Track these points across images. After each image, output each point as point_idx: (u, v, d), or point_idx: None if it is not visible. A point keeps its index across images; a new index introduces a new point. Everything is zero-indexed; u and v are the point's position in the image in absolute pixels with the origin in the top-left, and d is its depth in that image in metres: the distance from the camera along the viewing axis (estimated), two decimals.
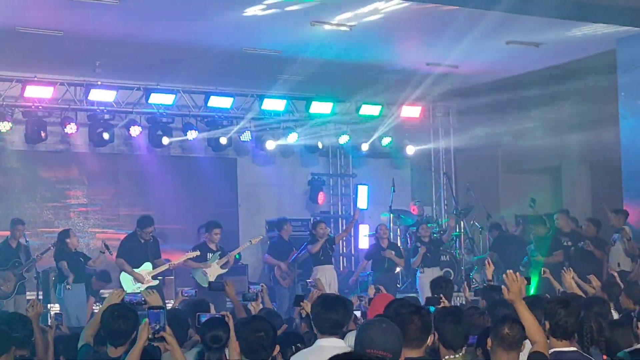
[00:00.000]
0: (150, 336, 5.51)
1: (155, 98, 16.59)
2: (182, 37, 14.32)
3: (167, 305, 8.92)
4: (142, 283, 13.66)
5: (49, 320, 12.41)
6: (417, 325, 5.39)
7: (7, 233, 14.50)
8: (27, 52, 14.69)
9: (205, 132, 17.50)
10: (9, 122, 15.48)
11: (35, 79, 15.67)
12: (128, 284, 13.65)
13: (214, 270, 14.39)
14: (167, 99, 16.70)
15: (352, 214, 19.89)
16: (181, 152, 18.06)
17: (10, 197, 16.62)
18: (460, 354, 5.85)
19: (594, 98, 16.85)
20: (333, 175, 20.22)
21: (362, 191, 19.53)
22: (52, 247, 14.23)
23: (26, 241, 14.61)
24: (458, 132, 19.95)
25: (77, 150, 17.03)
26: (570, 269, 9.81)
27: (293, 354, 6.09)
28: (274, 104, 17.62)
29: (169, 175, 17.59)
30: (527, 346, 5.84)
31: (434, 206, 20.16)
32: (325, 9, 13.44)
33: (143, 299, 6.98)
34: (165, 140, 16.87)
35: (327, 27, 14.11)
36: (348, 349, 5.99)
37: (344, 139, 18.64)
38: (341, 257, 19.72)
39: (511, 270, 6.02)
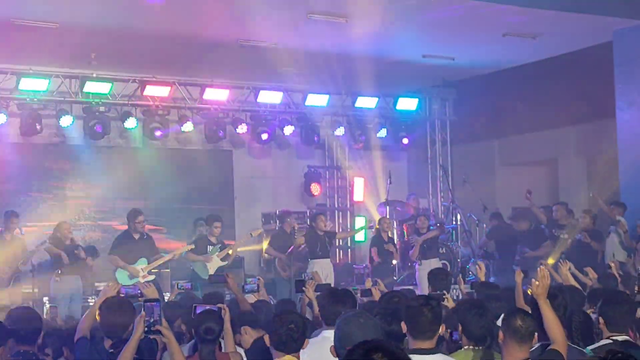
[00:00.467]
0: (145, 329, 5.48)
1: (151, 90, 16.54)
2: (177, 29, 14.28)
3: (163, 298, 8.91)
4: (138, 278, 13.63)
5: (45, 313, 12.43)
6: (427, 318, 5.39)
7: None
8: (22, 44, 14.64)
9: (201, 125, 17.47)
10: (4, 114, 15.43)
11: (31, 71, 15.63)
12: (124, 279, 13.62)
13: (214, 263, 14.41)
14: (163, 91, 16.66)
15: (348, 206, 19.93)
16: (177, 145, 18.03)
17: (5, 191, 16.56)
18: (481, 347, 5.86)
19: (591, 90, 16.83)
20: (329, 167, 20.20)
21: (359, 183, 19.52)
22: (47, 240, 14.21)
23: (21, 234, 14.55)
24: (454, 124, 19.93)
25: (72, 143, 16.97)
26: (567, 261, 9.78)
27: None
28: (270, 97, 17.60)
29: (165, 168, 17.55)
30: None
31: (430, 198, 20.16)
32: (321, 0, 13.42)
33: (139, 291, 6.96)
34: (160, 133, 16.81)
35: (323, 18, 14.07)
36: None
37: (340, 131, 18.62)
38: (337, 249, 19.71)
39: (544, 267, 5.98)
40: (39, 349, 6.89)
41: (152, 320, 5.48)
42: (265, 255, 17.09)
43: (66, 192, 17.26)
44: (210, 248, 14.55)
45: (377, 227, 16.11)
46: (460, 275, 9.60)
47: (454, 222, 18.81)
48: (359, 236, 18.89)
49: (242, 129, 17.51)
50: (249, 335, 7.18)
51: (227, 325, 6.44)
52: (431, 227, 16.42)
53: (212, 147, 18.08)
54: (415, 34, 15.32)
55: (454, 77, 18.76)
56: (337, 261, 19.19)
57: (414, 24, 14.69)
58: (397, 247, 16.56)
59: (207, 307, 6.67)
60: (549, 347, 5.68)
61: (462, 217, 18.70)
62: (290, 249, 15.88)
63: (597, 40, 15.69)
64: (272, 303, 9.38)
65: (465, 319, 5.76)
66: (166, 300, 10.75)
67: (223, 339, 6.54)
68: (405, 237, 17.30)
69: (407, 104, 18.96)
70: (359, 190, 19.52)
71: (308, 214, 17.41)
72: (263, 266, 17.46)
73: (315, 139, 18.50)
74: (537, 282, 5.78)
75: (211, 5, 13.35)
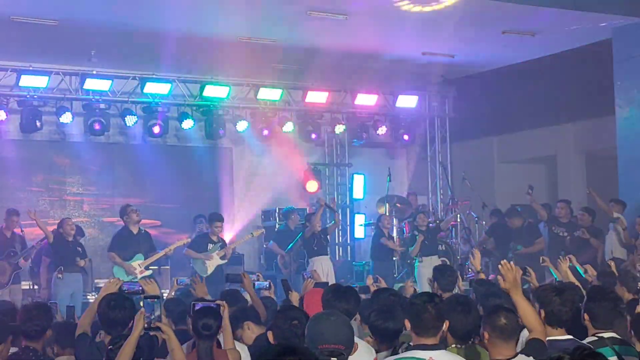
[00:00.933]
0: (145, 326, 5.50)
1: (151, 87, 16.55)
2: (177, 25, 14.28)
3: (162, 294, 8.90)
4: (135, 275, 13.65)
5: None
6: (432, 314, 5.40)
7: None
8: (22, 41, 14.65)
9: (201, 122, 17.49)
10: (4, 111, 15.44)
11: (31, 68, 15.63)
12: (121, 276, 13.63)
13: (213, 261, 14.43)
14: (163, 88, 16.67)
15: (347, 203, 19.95)
16: (177, 142, 18.03)
17: (5, 187, 16.58)
18: (464, 345, 5.88)
19: (590, 87, 16.85)
20: (329, 164, 20.21)
21: (358, 181, 19.54)
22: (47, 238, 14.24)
23: (21, 231, 14.59)
24: (454, 122, 19.94)
25: (72, 140, 17.00)
26: (566, 257, 9.79)
27: None
28: (270, 94, 17.59)
29: (164, 165, 17.56)
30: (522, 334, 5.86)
31: (430, 196, 20.18)
32: None
33: (140, 288, 6.97)
34: (156, 130, 16.79)
35: (322, 15, 14.08)
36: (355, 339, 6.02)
37: (340, 129, 18.63)
38: (337, 247, 19.73)
39: (505, 260, 6.00)
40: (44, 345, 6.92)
41: (152, 316, 5.50)
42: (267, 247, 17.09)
43: (66, 189, 17.28)
44: (210, 246, 14.58)
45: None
46: (459, 272, 9.60)
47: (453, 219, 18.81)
48: (359, 233, 18.91)
49: (242, 126, 17.52)
50: (251, 330, 7.21)
51: (226, 321, 6.46)
52: (430, 225, 16.44)
53: (212, 144, 18.10)
54: (415, 32, 15.32)
55: (454, 74, 18.76)
56: (337, 258, 19.21)
57: (414, 21, 14.70)
58: (397, 243, 16.59)
59: (203, 304, 6.69)
60: (529, 337, 5.71)
61: (462, 214, 18.71)
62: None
63: (597, 38, 15.69)
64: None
65: (450, 316, 5.78)
66: (165, 297, 10.77)
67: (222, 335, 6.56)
68: (405, 234, 17.32)
69: (407, 101, 18.96)
70: (358, 187, 19.53)
71: (308, 210, 17.40)
72: (263, 263, 17.49)
73: (315, 136, 18.50)
74: (502, 278, 5.82)
75: (211, 1, 13.37)
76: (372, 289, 8.90)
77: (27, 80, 15.55)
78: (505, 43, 16.01)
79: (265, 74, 17.34)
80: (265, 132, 17.83)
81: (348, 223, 19.79)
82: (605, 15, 14.63)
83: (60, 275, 13.64)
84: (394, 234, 17.41)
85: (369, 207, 19.23)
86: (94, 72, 16.11)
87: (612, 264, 10.72)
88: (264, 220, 18.27)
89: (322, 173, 19.82)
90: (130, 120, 16.48)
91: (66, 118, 15.95)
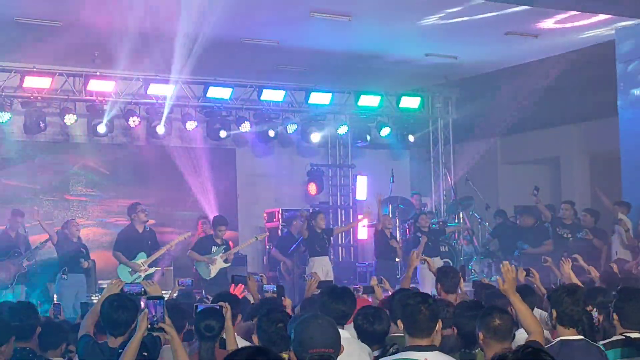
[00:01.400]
0: (149, 326, 5.51)
1: (154, 89, 16.56)
2: (180, 27, 14.29)
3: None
4: (140, 273, 13.69)
5: (50, 311, 12.44)
6: (425, 315, 5.42)
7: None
8: (26, 42, 14.68)
9: (204, 123, 17.50)
10: (7, 112, 15.47)
11: (34, 69, 15.64)
12: (126, 276, 13.68)
13: (217, 265, 14.47)
14: (166, 89, 16.68)
15: (350, 204, 19.96)
16: (180, 143, 18.05)
17: (9, 188, 16.61)
18: (477, 350, 5.90)
19: (593, 88, 16.85)
20: (332, 165, 20.22)
21: (361, 182, 19.55)
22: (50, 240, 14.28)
23: (25, 232, 14.63)
24: (457, 123, 19.94)
25: (76, 141, 17.03)
26: (569, 259, 9.80)
27: None
28: (273, 95, 17.59)
29: (167, 166, 17.59)
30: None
31: (433, 197, 20.17)
32: None
33: (142, 289, 6.99)
34: (160, 131, 16.80)
35: (326, 17, 14.09)
36: (352, 339, 6.03)
37: (343, 130, 18.64)
38: (340, 247, 19.75)
39: (507, 261, 6.02)
40: (40, 345, 6.94)
41: (155, 317, 5.51)
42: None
43: (69, 190, 17.31)
44: (214, 249, 14.60)
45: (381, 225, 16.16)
46: (460, 274, 9.61)
47: (456, 221, 18.82)
48: (361, 234, 18.92)
49: (245, 127, 17.53)
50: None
51: (228, 323, 6.48)
52: (433, 226, 16.45)
53: (215, 146, 18.12)
54: (418, 33, 15.34)
55: (457, 75, 18.77)
56: (340, 259, 19.22)
57: (417, 22, 14.71)
58: (400, 244, 16.60)
59: (206, 305, 6.71)
60: (527, 339, 5.74)
61: (465, 215, 18.73)
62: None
63: (600, 39, 15.70)
64: None
65: (460, 321, 5.79)
66: (166, 298, 10.79)
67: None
68: (408, 235, 17.32)
69: (410, 102, 18.94)
70: (361, 188, 19.54)
71: (310, 211, 17.41)
72: (266, 264, 17.50)
73: (318, 137, 18.50)
74: (501, 279, 5.85)
75: (214, 3, 13.38)
76: (377, 289, 8.91)
77: (31, 82, 15.55)
78: (508, 44, 16.01)
79: (268, 75, 17.35)
80: (269, 133, 17.83)
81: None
82: (608, 16, 14.62)
83: (64, 276, 13.67)
84: (397, 235, 17.42)
85: (372, 208, 19.21)
86: (98, 74, 16.13)
87: (615, 265, 10.73)
88: (267, 221, 18.28)
89: (325, 174, 19.83)
90: (133, 121, 16.49)
91: (70, 119, 15.96)
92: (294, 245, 15.96)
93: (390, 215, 17.32)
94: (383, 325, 6.14)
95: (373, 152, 20.14)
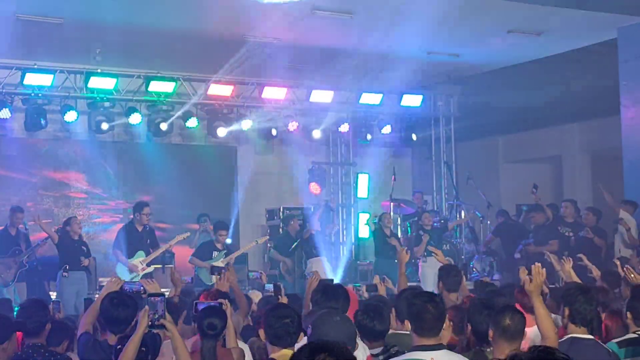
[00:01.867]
0: (149, 323, 5.49)
1: (155, 86, 16.54)
2: (182, 24, 14.28)
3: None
4: (137, 272, 13.67)
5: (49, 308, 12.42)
6: (432, 314, 5.40)
7: None
8: (27, 39, 14.65)
9: (205, 120, 17.47)
10: (8, 109, 15.45)
11: (35, 66, 15.63)
12: (124, 274, 13.66)
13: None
14: (168, 86, 16.65)
15: (352, 202, 19.94)
16: (181, 140, 18.04)
17: (9, 185, 16.60)
18: (490, 349, 5.87)
19: (595, 87, 16.82)
20: (333, 164, 20.20)
21: (363, 180, 19.53)
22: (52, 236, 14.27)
23: (25, 229, 14.62)
24: (459, 121, 19.92)
25: (77, 138, 17.01)
26: (570, 258, 9.77)
27: None
28: (274, 92, 17.57)
29: (169, 164, 17.57)
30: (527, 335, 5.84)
31: (435, 195, 20.15)
32: None
33: (142, 287, 6.97)
34: (163, 127, 16.79)
35: (328, 14, 14.07)
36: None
37: (344, 128, 18.61)
38: (341, 246, 19.73)
39: (539, 263, 5.99)
40: (48, 341, 6.92)
41: (156, 315, 5.49)
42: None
43: (70, 187, 17.30)
44: (215, 254, 14.55)
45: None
46: (462, 273, 9.59)
47: (457, 219, 18.81)
48: (363, 233, 18.89)
49: (246, 124, 17.51)
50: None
51: (229, 320, 6.46)
52: (435, 224, 16.44)
53: (217, 143, 18.09)
54: (420, 31, 15.30)
55: (459, 73, 18.73)
56: (341, 258, 19.19)
57: (419, 20, 14.68)
58: (402, 243, 16.57)
59: (207, 303, 6.68)
60: (540, 344, 5.70)
61: (466, 214, 18.71)
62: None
63: (602, 37, 15.67)
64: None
65: (474, 320, 5.77)
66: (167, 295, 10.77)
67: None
68: (409, 233, 17.31)
69: (412, 100, 18.93)
70: (363, 186, 19.51)
71: (312, 209, 17.39)
72: (267, 262, 17.48)
73: (319, 135, 18.48)
74: (530, 279, 5.82)
75: (216, 0, 13.36)
76: (380, 287, 8.89)
77: (31, 79, 15.53)
78: (510, 42, 15.98)
79: (269, 73, 17.32)
80: (270, 130, 17.80)
81: (352, 222, 19.78)
82: (610, 14, 14.59)
83: (65, 274, 13.65)
84: (399, 233, 17.39)
85: (373, 206, 19.21)
86: (99, 71, 16.11)
87: (618, 263, 10.69)
88: (268, 220, 18.27)
89: (327, 172, 19.80)
90: (134, 118, 16.47)
91: (71, 116, 15.93)
92: (294, 245, 15.93)
93: (393, 214, 17.29)
94: (383, 323, 6.11)
95: (375, 150, 20.09)
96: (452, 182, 19.58)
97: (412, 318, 5.45)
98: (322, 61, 16.35)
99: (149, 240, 14.28)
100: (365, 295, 9.10)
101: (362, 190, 19.45)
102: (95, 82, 16.02)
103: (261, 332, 5.62)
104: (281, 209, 17.94)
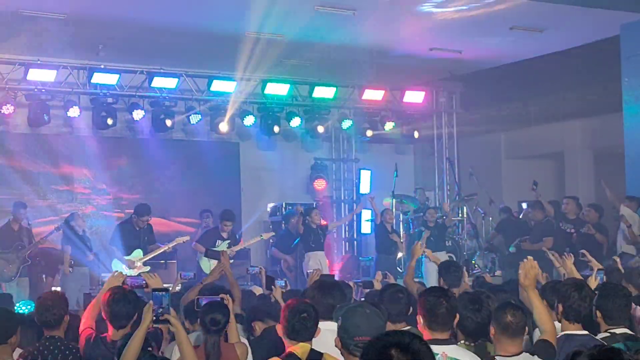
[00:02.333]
0: (154, 318, 5.51)
1: (158, 82, 16.55)
2: (185, 20, 14.30)
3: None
4: (134, 270, 13.68)
5: None
6: (446, 309, 5.45)
7: None
8: (30, 35, 14.66)
9: (207, 116, 17.49)
10: (12, 105, 15.47)
11: (39, 62, 15.64)
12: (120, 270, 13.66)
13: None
14: (170, 82, 16.67)
15: (354, 199, 19.96)
16: (184, 136, 18.06)
17: (12, 180, 16.62)
18: (474, 343, 5.89)
19: (598, 83, 16.83)
20: (336, 160, 20.22)
21: (365, 176, 19.54)
22: (55, 231, 14.31)
23: (29, 224, 14.64)
24: (461, 118, 19.92)
25: (80, 134, 17.03)
26: (571, 254, 9.79)
27: None
28: (277, 89, 17.57)
29: (171, 159, 17.60)
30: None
31: (437, 191, 20.17)
32: None
33: (144, 282, 6.99)
34: (168, 124, 16.81)
35: (331, 10, 14.08)
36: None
37: (347, 124, 18.62)
38: (343, 242, 19.75)
39: (531, 257, 6.01)
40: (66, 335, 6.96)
41: (160, 309, 5.50)
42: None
43: (73, 182, 17.33)
44: (219, 242, 14.58)
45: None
46: (465, 268, 9.61)
47: (459, 215, 18.82)
48: (365, 229, 18.91)
49: (249, 121, 17.52)
50: (257, 326, 7.26)
51: (232, 315, 6.47)
52: (437, 221, 16.46)
53: (219, 139, 18.10)
54: (423, 27, 15.31)
55: (461, 70, 18.74)
56: (343, 253, 19.23)
57: (422, 17, 14.69)
58: (404, 239, 16.61)
59: (209, 298, 6.70)
60: (539, 337, 5.72)
61: (468, 210, 18.72)
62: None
63: (604, 34, 15.66)
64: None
65: (461, 313, 5.80)
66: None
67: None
68: (411, 230, 17.32)
69: (414, 97, 18.93)
70: (365, 182, 19.53)
71: (315, 205, 17.41)
72: (269, 258, 17.50)
73: (322, 131, 18.49)
74: (523, 273, 5.84)
75: None
76: (376, 284, 8.92)
77: (35, 74, 15.55)
78: (512, 39, 15.98)
79: (272, 69, 17.33)
80: (273, 127, 17.80)
81: (354, 218, 19.80)
82: (612, 11, 14.60)
83: (71, 269, 13.66)
84: (401, 230, 17.41)
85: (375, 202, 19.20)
86: (102, 66, 16.12)
87: (619, 260, 10.71)
88: (270, 215, 18.29)
89: (329, 168, 19.82)
90: (137, 114, 16.49)
91: (74, 112, 15.96)
92: (295, 242, 15.95)
93: (395, 210, 17.31)
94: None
95: (377, 147, 20.13)
96: (455, 179, 19.59)
97: (426, 313, 5.48)
98: (325, 57, 16.36)
99: (146, 237, 14.28)
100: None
101: (365, 186, 19.47)
102: (98, 78, 16.04)
103: (278, 328, 5.65)
104: (284, 205, 17.96)
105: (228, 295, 6.64)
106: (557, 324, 6.06)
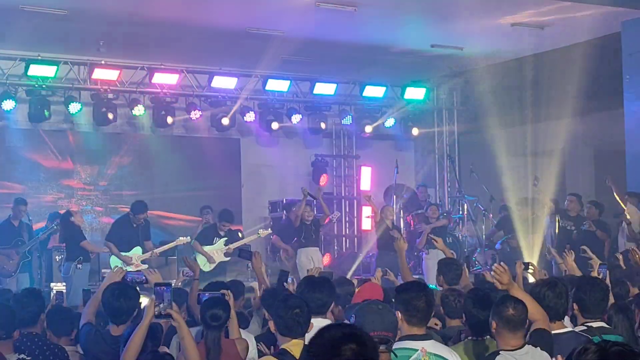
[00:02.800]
0: (156, 313, 5.50)
1: (159, 78, 16.55)
2: (186, 16, 14.29)
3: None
4: (131, 267, 13.66)
5: (51, 299, 12.46)
6: (424, 304, 5.44)
7: None
8: (31, 30, 14.67)
9: (208, 112, 17.48)
10: (12, 100, 15.47)
11: (39, 57, 15.63)
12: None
13: (217, 258, 14.44)
14: (171, 78, 16.66)
15: (355, 195, 19.95)
16: (184, 132, 18.06)
17: (13, 176, 16.62)
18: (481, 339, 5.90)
19: (599, 81, 16.79)
20: (336, 156, 20.21)
21: (366, 172, 19.52)
22: (56, 227, 14.31)
23: (29, 220, 14.64)
24: (462, 114, 19.91)
25: (80, 130, 17.03)
26: (572, 251, 9.79)
27: None
28: (278, 85, 17.57)
29: (172, 155, 17.60)
30: None
31: (437, 188, 20.16)
32: None
33: (144, 277, 6.98)
34: (169, 120, 16.82)
35: (331, 7, 14.07)
36: None
37: (347, 120, 18.61)
38: (344, 238, 19.75)
39: (499, 264, 6.00)
40: (53, 331, 6.96)
41: (162, 304, 5.50)
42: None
43: (74, 178, 17.32)
44: (216, 240, 14.56)
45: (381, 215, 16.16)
46: (465, 265, 9.59)
47: (460, 212, 18.82)
48: (366, 225, 18.90)
49: (249, 117, 17.51)
50: None
51: (232, 311, 6.47)
52: (439, 217, 16.46)
53: (220, 135, 18.10)
54: (424, 24, 15.30)
55: (462, 66, 18.72)
56: (344, 250, 19.22)
57: (423, 13, 14.68)
58: (405, 236, 16.58)
59: (210, 294, 6.70)
60: (533, 328, 5.73)
61: (469, 207, 18.71)
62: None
63: (605, 31, 15.65)
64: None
65: (468, 311, 5.80)
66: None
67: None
68: (412, 226, 17.31)
69: (415, 93, 18.91)
70: (366, 179, 19.51)
71: (315, 202, 17.39)
72: (269, 254, 17.50)
73: (322, 127, 18.48)
74: (497, 281, 5.85)
75: None
76: (374, 282, 8.91)
77: (35, 70, 15.55)
78: (514, 36, 15.97)
79: (273, 65, 17.32)
80: (273, 123, 17.81)
81: (355, 215, 19.80)
82: (614, 8, 14.58)
83: (79, 266, 13.63)
84: (401, 226, 17.40)
85: (376, 199, 19.20)
86: (103, 62, 16.12)
87: (621, 257, 10.70)
88: (270, 212, 18.28)
89: (330, 165, 19.81)
90: (138, 110, 16.48)
91: (74, 108, 15.96)
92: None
93: (394, 206, 17.29)
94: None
95: (378, 143, 20.11)
96: (455, 175, 19.58)
97: (405, 308, 5.48)
98: (326, 54, 16.35)
99: (143, 235, 14.25)
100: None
101: (365, 183, 19.46)
102: (98, 74, 16.03)
103: (271, 324, 5.64)
104: (284, 201, 17.96)
105: (229, 291, 6.64)
106: None
